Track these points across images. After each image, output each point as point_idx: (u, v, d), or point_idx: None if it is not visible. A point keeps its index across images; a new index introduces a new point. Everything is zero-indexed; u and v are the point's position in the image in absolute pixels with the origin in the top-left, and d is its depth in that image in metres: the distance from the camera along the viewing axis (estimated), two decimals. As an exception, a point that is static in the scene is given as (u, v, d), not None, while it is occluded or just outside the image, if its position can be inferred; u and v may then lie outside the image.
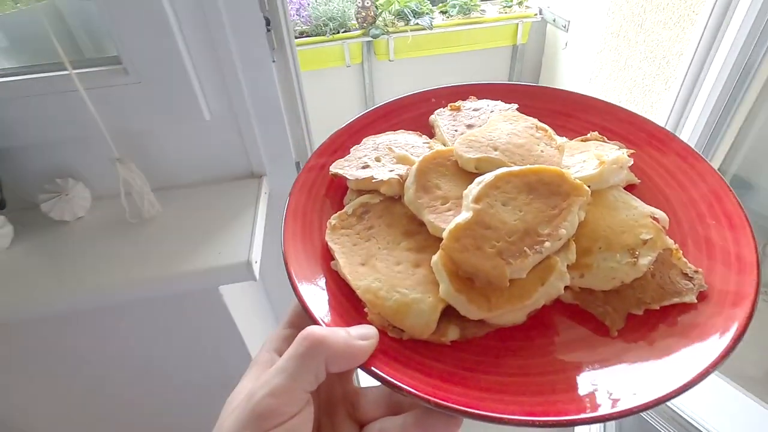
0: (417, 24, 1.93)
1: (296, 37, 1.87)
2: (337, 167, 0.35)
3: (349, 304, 0.28)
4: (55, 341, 0.67)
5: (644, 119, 0.38)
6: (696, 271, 0.28)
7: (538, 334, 0.27)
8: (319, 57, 1.97)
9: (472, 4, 2.01)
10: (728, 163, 1.07)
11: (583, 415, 0.23)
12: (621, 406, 0.23)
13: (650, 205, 0.32)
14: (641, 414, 0.77)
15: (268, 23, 0.57)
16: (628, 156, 0.34)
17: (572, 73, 1.99)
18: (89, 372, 0.72)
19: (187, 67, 0.56)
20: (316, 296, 0.28)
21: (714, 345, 0.25)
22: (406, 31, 1.94)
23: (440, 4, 2.04)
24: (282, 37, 0.61)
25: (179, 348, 0.72)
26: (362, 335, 0.25)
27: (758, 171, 1.07)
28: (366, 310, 0.28)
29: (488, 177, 0.29)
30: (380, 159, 0.36)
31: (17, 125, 0.57)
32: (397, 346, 0.26)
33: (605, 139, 0.37)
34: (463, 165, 0.32)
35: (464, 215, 0.28)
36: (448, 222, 0.28)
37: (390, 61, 2.02)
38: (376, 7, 1.92)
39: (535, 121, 0.36)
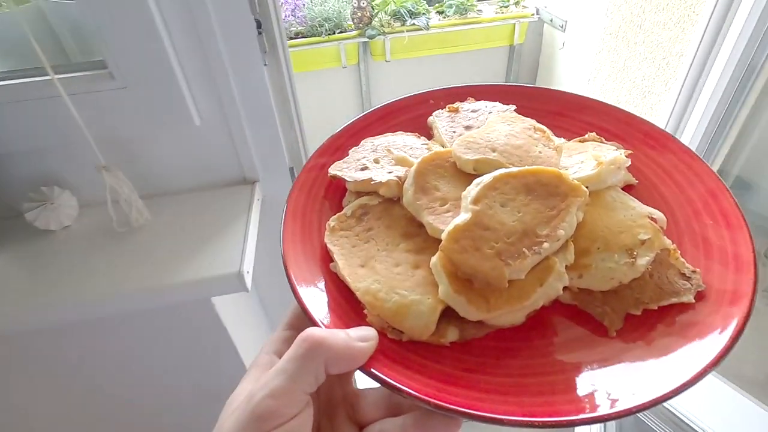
0: (413, 24, 1.92)
1: (291, 38, 1.82)
2: (336, 169, 0.35)
3: (348, 306, 0.28)
4: (45, 352, 0.65)
5: (641, 119, 0.38)
6: (694, 271, 0.28)
7: (537, 334, 0.27)
8: (314, 58, 1.95)
9: (469, 4, 2.00)
10: (731, 164, 1.06)
11: (582, 416, 0.23)
12: (620, 406, 0.23)
13: (648, 205, 0.32)
14: (641, 416, 0.77)
15: (259, 26, 0.56)
16: (626, 156, 0.34)
17: (570, 74, 1.99)
18: (81, 381, 0.71)
19: (175, 71, 0.54)
20: (316, 298, 0.28)
21: (712, 344, 0.25)
22: (403, 31, 1.93)
23: (437, 5, 2.03)
24: (274, 40, 0.60)
25: (171, 359, 0.71)
26: (362, 337, 0.25)
27: (761, 172, 1.07)
28: (365, 311, 0.28)
29: (487, 178, 0.29)
30: (379, 160, 0.36)
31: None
32: (396, 347, 0.26)
33: (603, 139, 0.37)
34: (461, 166, 0.33)
35: (463, 216, 0.28)
36: (446, 223, 0.28)
37: (386, 61, 2.01)
38: (372, 7, 1.91)
39: (533, 122, 0.37)
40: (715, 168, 1.02)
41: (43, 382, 0.70)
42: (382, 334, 0.26)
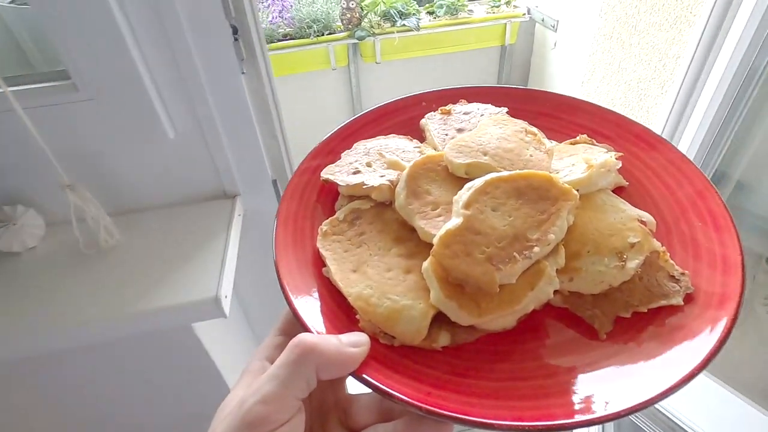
0: (404, 25, 1.90)
1: (279, 40, 1.77)
2: (328, 173, 0.35)
3: (340, 311, 0.28)
4: (11, 383, 0.61)
5: (632, 121, 0.38)
6: (683, 273, 0.29)
7: (528, 338, 0.28)
8: (303, 60, 1.92)
9: (460, 4, 1.98)
10: (733, 168, 1.04)
11: (573, 419, 0.23)
12: (611, 409, 0.23)
13: (638, 206, 0.33)
14: (638, 421, 0.77)
15: (235, 32, 0.53)
16: (616, 159, 0.34)
17: (563, 76, 1.99)
18: (52, 412, 0.67)
19: (144, 82, 0.51)
20: (308, 303, 0.28)
21: (701, 346, 0.25)
22: (393, 32, 1.90)
23: (427, 5, 2.01)
24: (252, 46, 0.56)
25: (152, 388, 0.67)
26: (353, 342, 0.25)
27: (763, 175, 1.06)
28: (358, 317, 0.28)
29: (478, 182, 0.29)
30: (371, 164, 0.36)
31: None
32: (388, 352, 0.26)
33: (594, 141, 0.37)
34: (453, 170, 0.33)
35: (454, 221, 0.28)
36: (438, 228, 0.28)
37: (377, 63, 1.99)
38: (361, 8, 1.88)
39: (525, 124, 0.37)
40: (714, 171, 1.03)
41: (8, 415, 0.66)
42: (374, 339, 0.26)
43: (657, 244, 0.29)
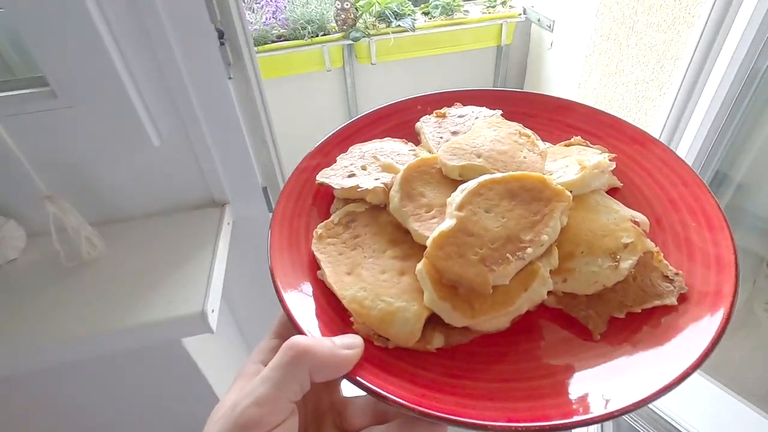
0: (399, 26, 1.88)
1: (273, 41, 1.75)
2: (323, 176, 0.36)
3: (335, 314, 0.28)
4: (5, 398, 0.59)
5: (626, 123, 0.38)
6: (677, 273, 0.29)
7: (522, 339, 0.28)
8: (298, 61, 1.90)
9: (455, 4, 1.96)
10: (735, 170, 1.02)
11: (567, 420, 0.23)
12: (605, 409, 0.23)
13: (633, 207, 0.33)
14: (632, 424, 0.77)
15: (221, 36, 0.52)
16: (610, 160, 0.34)
17: (560, 77, 1.98)
18: (44, 428, 0.64)
19: (127, 88, 0.50)
20: (302, 306, 0.28)
21: (695, 345, 0.25)
22: (388, 33, 1.88)
23: (422, 5, 2.00)
24: (239, 51, 0.55)
25: (140, 402, 0.64)
26: (347, 344, 0.25)
27: (765, 177, 1.04)
28: (352, 319, 0.28)
29: (471, 184, 0.29)
30: (366, 167, 0.36)
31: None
32: (382, 354, 0.26)
33: (588, 143, 0.37)
34: (447, 173, 0.33)
35: (448, 223, 0.28)
36: (432, 230, 0.28)
37: (372, 64, 1.97)
38: (356, 8, 1.86)
39: (519, 126, 0.37)
40: (716, 174, 1.02)
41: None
42: (368, 341, 0.26)
43: (651, 245, 0.29)
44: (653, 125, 1.19)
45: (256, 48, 0.58)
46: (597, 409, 0.23)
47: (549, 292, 0.28)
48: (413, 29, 1.89)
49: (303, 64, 1.92)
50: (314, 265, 0.31)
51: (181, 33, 0.49)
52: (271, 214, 0.65)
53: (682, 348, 0.25)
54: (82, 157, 0.55)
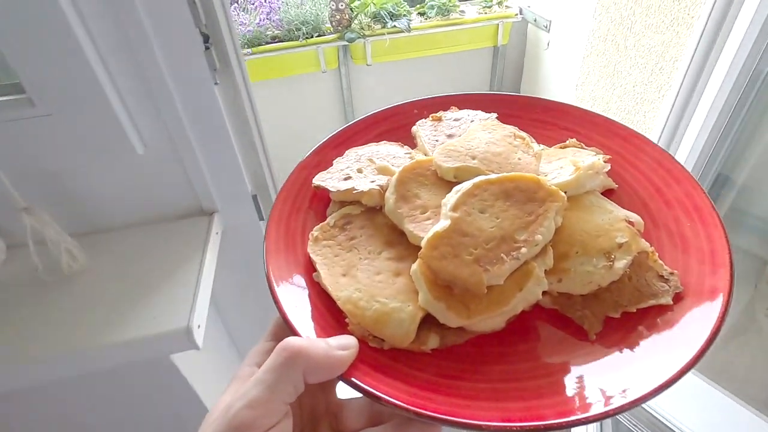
0: (394, 26, 1.86)
1: (268, 43, 1.73)
2: (320, 179, 0.36)
3: (330, 316, 0.28)
4: None
5: (620, 125, 0.39)
6: (672, 273, 0.29)
7: (517, 339, 0.28)
8: (292, 63, 1.87)
9: (451, 4, 1.95)
10: (737, 172, 1.02)
11: (562, 419, 0.23)
12: (601, 408, 0.23)
13: (628, 208, 0.33)
14: (629, 426, 0.76)
15: (206, 40, 0.51)
16: (605, 162, 0.34)
17: (557, 78, 1.97)
18: None
19: (108, 95, 0.48)
20: (297, 308, 0.28)
21: (690, 344, 0.25)
22: (384, 34, 1.86)
23: (418, 6, 1.98)
24: (226, 55, 0.53)
25: (131, 421, 0.62)
26: (342, 345, 0.25)
27: (767, 178, 1.04)
28: (347, 320, 0.28)
29: (466, 185, 0.29)
30: (362, 170, 0.36)
31: None
32: (377, 355, 0.26)
33: (583, 145, 0.38)
34: (442, 174, 0.33)
35: (442, 223, 0.28)
36: (427, 231, 0.29)
37: (368, 65, 1.95)
38: (351, 9, 1.84)
39: (514, 129, 0.37)
40: (717, 176, 1.02)
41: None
42: (363, 342, 0.26)
43: (645, 245, 0.29)
44: (652, 127, 1.19)
45: (249, 50, 0.57)
46: (592, 409, 0.23)
47: (544, 293, 0.28)
48: (409, 30, 1.87)
49: (298, 65, 1.90)
50: (310, 268, 0.31)
51: (163, 37, 0.47)
52: (261, 221, 0.65)
53: (677, 347, 0.25)
54: (61, 166, 0.53)
